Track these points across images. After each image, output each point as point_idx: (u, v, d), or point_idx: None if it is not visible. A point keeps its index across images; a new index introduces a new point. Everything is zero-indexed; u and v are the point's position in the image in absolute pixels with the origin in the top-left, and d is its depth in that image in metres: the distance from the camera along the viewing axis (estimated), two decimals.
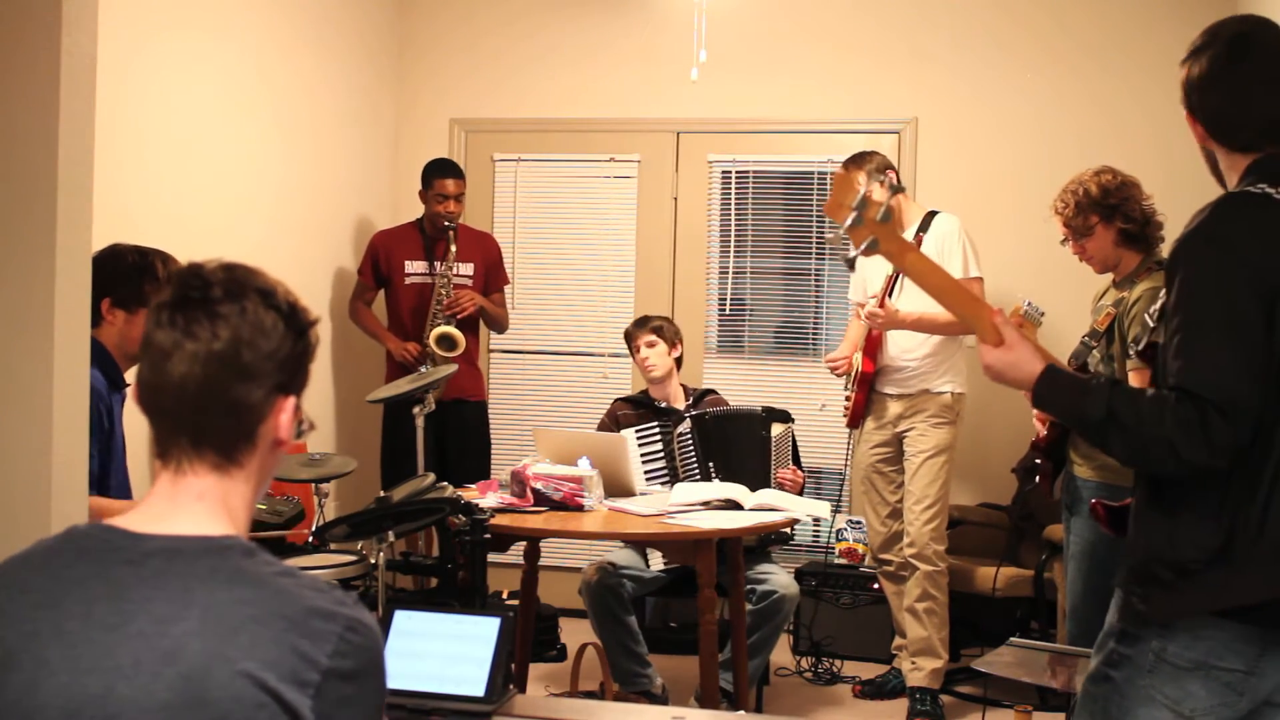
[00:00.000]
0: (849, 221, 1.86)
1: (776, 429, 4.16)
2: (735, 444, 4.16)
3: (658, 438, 4.18)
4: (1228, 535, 1.71)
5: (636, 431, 4.18)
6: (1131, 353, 1.96)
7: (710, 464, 4.12)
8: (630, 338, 4.44)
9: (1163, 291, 1.83)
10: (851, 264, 1.95)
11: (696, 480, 4.05)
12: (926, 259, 1.93)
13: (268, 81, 4.58)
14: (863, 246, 1.86)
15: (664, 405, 4.34)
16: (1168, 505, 1.77)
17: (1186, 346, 1.71)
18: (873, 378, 4.37)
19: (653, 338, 4.35)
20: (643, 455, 4.16)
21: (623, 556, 4.14)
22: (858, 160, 4.32)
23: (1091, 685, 1.87)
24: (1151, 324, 1.89)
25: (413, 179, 5.61)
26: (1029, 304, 2.65)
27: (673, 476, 4.12)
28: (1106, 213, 3.37)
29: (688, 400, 4.39)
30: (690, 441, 4.15)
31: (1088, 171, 3.46)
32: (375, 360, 5.14)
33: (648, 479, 4.12)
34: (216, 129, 4.24)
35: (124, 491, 2.89)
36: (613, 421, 4.36)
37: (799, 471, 4.20)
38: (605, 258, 5.58)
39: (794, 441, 4.27)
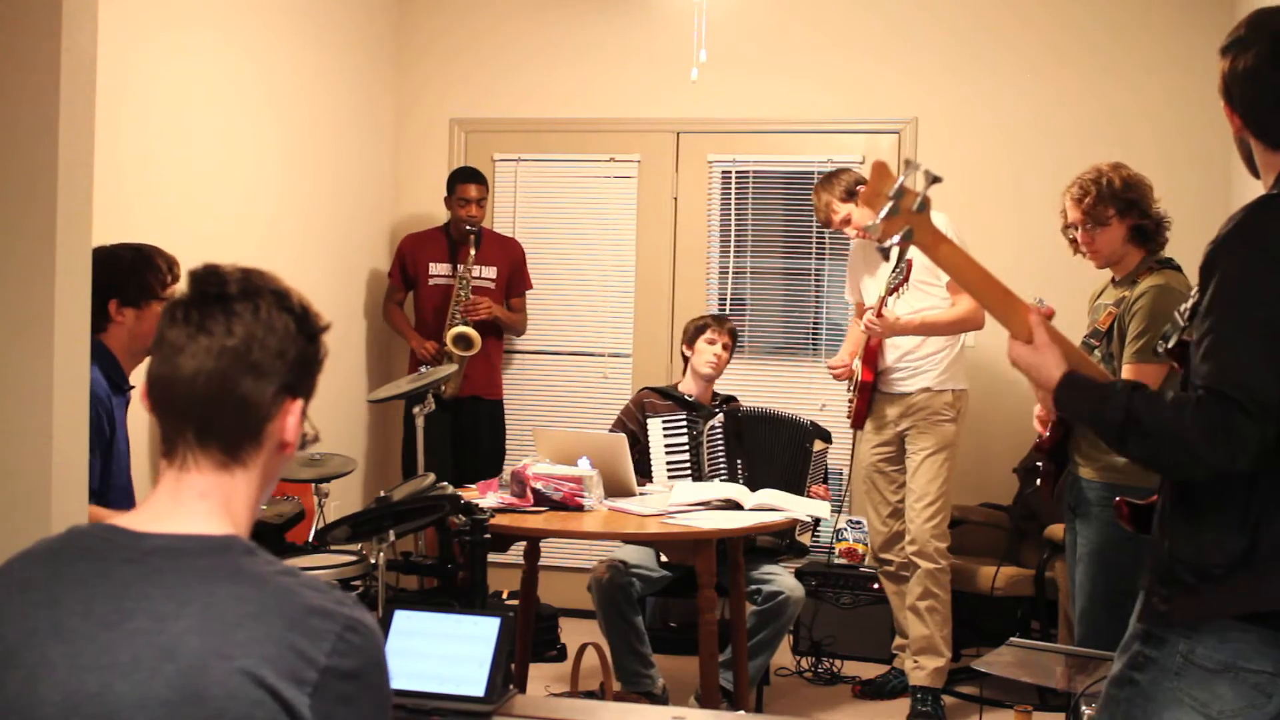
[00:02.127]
0: (885, 211, 1.84)
1: (818, 445, 4.23)
2: (768, 447, 4.19)
3: (685, 430, 4.19)
4: (1251, 541, 1.70)
5: (664, 421, 4.20)
6: (1160, 350, 1.92)
7: (738, 463, 4.13)
8: (703, 329, 4.41)
9: (1193, 291, 1.80)
10: (886, 254, 1.93)
11: (723, 478, 4.06)
12: (961, 251, 1.90)
13: (268, 82, 4.58)
14: (898, 236, 1.84)
15: (693, 399, 4.35)
16: (1193, 508, 1.76)
17: (1216, 348, 1.68)
18: (872, 385, 4.37)
19: (729, 340, 4.41)
20: (667, 447, 4.17)
21: (633, 554, 4.12)
22: (827, 183, 4.32)
23: (1114, 688, 1.84)
24: (1182, 323, 1.86)
25: (413, 179, 5.64)
26: (1040, 301, 2.63)
27: (696, 471, 4.13)
28: (1124, 206, 3.29)
29: (713, 402, 4.42)
30: (720, 438, 4.15)
31: (1104, 164, 3.36)
32: (403, 359, 5.33)
33: (670, 471, 4.13)
34: (216, 129, 4.25)
35: (125, 497, 2.88)
36: (638, 409, 4.36)
37: (829, 490, 4.26)
38: (605, 258, 5.58)
39: (825, 462, 4.33)
